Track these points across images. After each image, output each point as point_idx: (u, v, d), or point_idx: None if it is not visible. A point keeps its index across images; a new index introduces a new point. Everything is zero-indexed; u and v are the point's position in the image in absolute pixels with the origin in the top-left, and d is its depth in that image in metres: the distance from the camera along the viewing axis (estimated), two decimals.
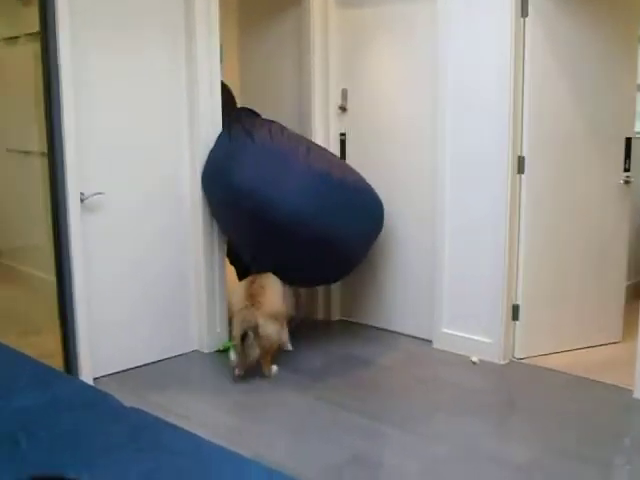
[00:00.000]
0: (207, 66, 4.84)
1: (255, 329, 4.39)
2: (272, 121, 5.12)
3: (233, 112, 5.28)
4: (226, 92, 5.33)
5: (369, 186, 5.06)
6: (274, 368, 4.61)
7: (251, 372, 4.58)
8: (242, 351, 4.41)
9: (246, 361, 4.46)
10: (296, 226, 4.55)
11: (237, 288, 4.83)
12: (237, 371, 4.54)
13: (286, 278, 4.87)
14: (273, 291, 4.67)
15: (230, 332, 4.90)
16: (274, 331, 4.53)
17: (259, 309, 4.48)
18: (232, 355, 4.49)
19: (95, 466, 2.07)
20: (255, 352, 4.44)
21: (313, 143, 5.23)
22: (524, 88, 4.63)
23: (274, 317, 4.54)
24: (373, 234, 5.08)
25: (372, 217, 5.04)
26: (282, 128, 5.00)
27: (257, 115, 5.34)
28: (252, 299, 4.54)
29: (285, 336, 4.84)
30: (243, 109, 5.48)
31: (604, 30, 4.70)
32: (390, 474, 3.50)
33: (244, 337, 4.36)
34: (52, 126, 4.20)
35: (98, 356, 4.49)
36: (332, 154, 5.31)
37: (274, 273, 4.79)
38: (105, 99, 4.46)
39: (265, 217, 4.55)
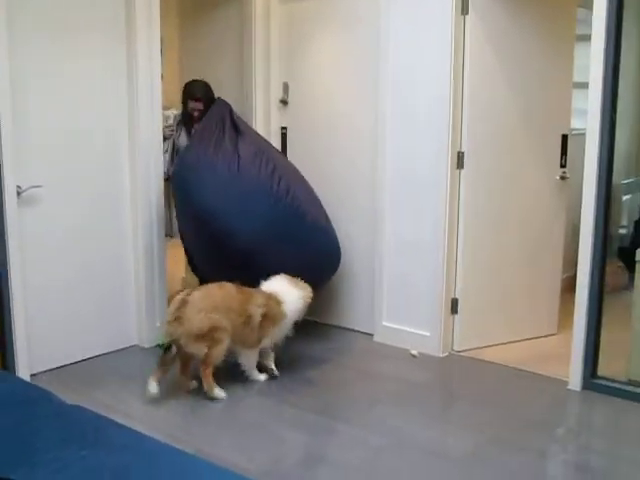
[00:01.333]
0: (147, 58, 4.79)
1: (178, 345, 4.15)
2: (254, 135, 5.06)
3: (217, 108, 5.03)
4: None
5: (330, 227, 5.07)
6: (219, 392, 4.22)
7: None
8: (161, 363, 4.17)
9: (163, 374, 4.16)
10: (249, 254, 4.56)
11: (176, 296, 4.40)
12: (151, 389, 4.10)
13: None
14: (200, 304, 4.20)
15: None
16: (199, 350, 4.15)
17: (182, 325, 4.13)
18: (152, 386, 4.08)
19: (37, 465, 2.04)
20: (170, 366, 4.21)
21: (289, 169, 5.08)
22: (464, 84, 4.69)
23: (197, 336, 4.13)
24: (325, 275, 5.08)
25: (327, 259, 5.05)
26: (259, 149, 4.82)
27: (237, 119, 5.03)
28: (179, 312, 4.16)
29: (219, 355, 4.23)
30: (227, 107, 5.04)
31: (542, 28, 4.79)
32: (331, 467, 3.51)
33: (167, 350, 4.17)
34: None
35: (35, 352, 4.40)
36: (307, 185, 5.10)
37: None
38: (42, 91, 4.38)
39: (222, 242, 4.57)
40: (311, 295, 4.52)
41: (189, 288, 4.50)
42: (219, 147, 4.71)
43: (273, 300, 4.36)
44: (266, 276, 4.47)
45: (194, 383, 4.32)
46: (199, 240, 4.86)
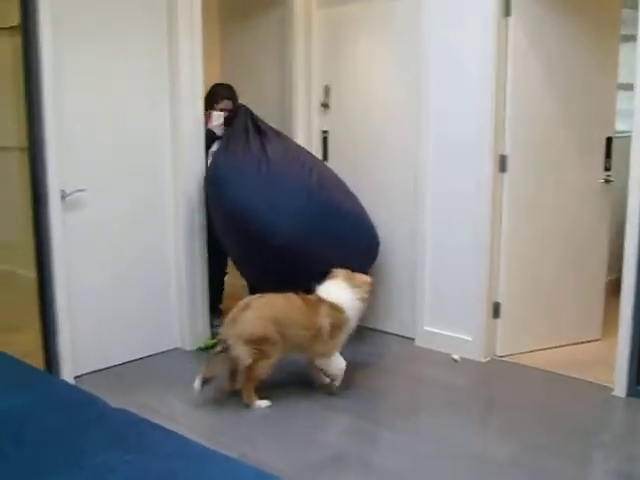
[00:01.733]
0: (189, 62, 4.82)
1: (227, 345, 4.16)
2: (278, 135, 5.08)
3: (239, 117, 5.06)
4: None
5: (367, 217, 5.07)
6: (260, 403, 4.19)
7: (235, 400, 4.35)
8: (209, 361, 4.22)
9: (211, 374, 4.15)
10: (288, 252, 4.55)
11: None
12: (195, 385, 4.12)
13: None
14: (260, 312, 4.19)
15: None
16: (243, 355, 4.10)
17: (235, 326, 4.15)
18: (197, 383, 4.11)
19: (82, 468, 2.05)
20: (218, 367, 4.19)
21: (318, 164, 5.13)
22: (506, 87, 4.65)
23: (247, 341, 4.10)
24: (366, 264, 4.99)
25: (366, 248, 5.05)
26: (286, 148, 4.92)
27: (260, 122, 5.08)
28: (237, 315, 4.19)
29: (264, 370, 4.17)
30: (248, 112, 5.11)
31: (586, 30, 4.73)
32: (374, 472, 3.50)
33: (212, 348, 4.17)
34: (32, 122, 4.16)
35: (79, 354, 4.45)
36: (336, 177, 5.15)
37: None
38: (87, 95, 4.43)
39: (262, 242, 4.57)
40: (370, 287, 4.47)
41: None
42: (247, 151, 4.78)
43: (335, 309, 4.29)
44: (318, 277, 4.40)
45: (260, 403, 4.20)
46: (240, 245, 4.87)
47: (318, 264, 4.54)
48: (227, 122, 5.16)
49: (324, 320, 4.23)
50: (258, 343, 4.10)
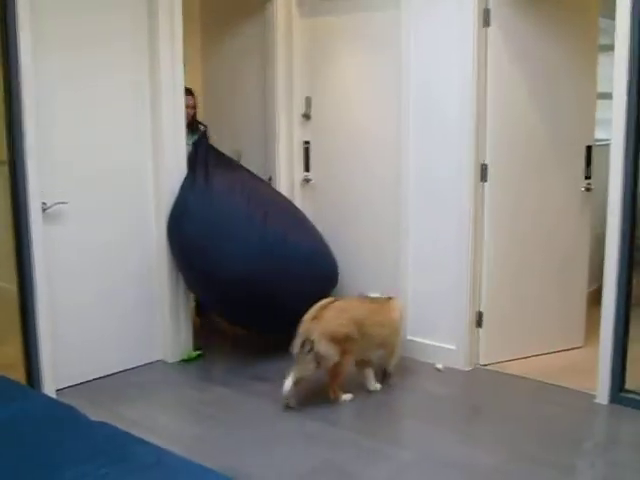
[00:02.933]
0: (170, 73, 4.81)
1: (311, 342, 4.21)
2: (237, 167, 5.23)
3: (200, 144, 5.16)
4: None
5: (324, 247, 5.18)
6: (345, 397, 4.40)
7: (314, 399, 4.43)
8: (299, 361, 4.27)
9: (302, 374, 4.25)
10: (241, 288, 4.69)
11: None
12: (289, 401, 4.29)
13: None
14: (340, 312, 4.39)
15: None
16: (329, 351, 4.23)
17: (319, 323, 4.28)
18: (287, 384, 4.21)
19: None
20: (310, 366, 4.25)
21: (275, 197, 5.27)
22: (487, 97, 4.68)
23: (332, 338, 4.24)
24: (325, 290, 5.03)
25: (324, 279, 5.14)
26: (243, 182, 5.02)
27: (220, 155, 5.22)
28: (318, 313, 4.35)
29: (348, 366, 4.41)
30: (207, 144, 5.21)
31: (565, 39, 4.76)
32: None
33: (302, 345, 4.25)
34: (13, 134, 4.14)
35: (61, 367, 4.42)
36: (293, 208, 5.33)
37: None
38: (68, 108, 4.42)
39: (211, 276, 4.72)
40: None
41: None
42: (193, 185, 4.87)
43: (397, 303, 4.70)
44: (280, 308, 4.77)
45: (345, 397, 4.42)
46: (193, 279, 4.97)
47: (275, 296, 4.76)
48: (192, 118, 5.27)
49: (397, 314, 4.60)
50: (342, 341, 4.27)
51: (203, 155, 5.02)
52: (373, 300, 4.63)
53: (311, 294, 4.63)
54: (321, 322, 4.27)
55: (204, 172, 4.90)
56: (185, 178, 4.92)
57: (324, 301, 4.45)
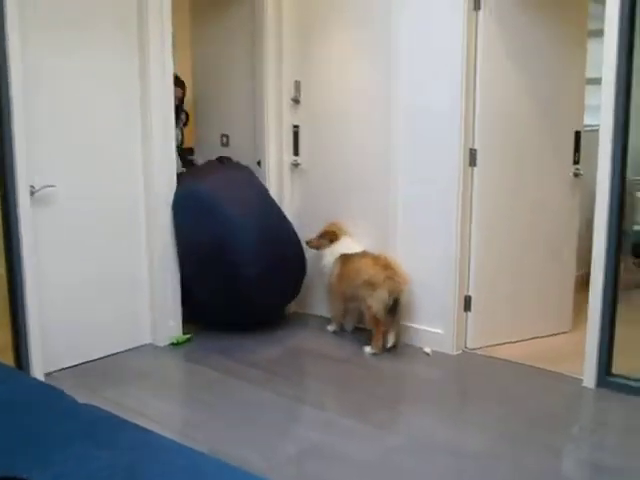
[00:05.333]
0: (159, 55, 4.78)
1: (399, 297, 4.79)
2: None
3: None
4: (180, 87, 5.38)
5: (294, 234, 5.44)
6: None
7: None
8: (391, 321, 4.82)
9: (396, 329, 4.89)
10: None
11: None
12: (379, 348, 4.86)
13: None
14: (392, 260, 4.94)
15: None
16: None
17: (401, 278, 4.82)
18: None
19: (49, 464, 2.04)
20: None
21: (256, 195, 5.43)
22: (476, 80, 4.68)
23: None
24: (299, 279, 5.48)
25: (299, 267, 5.46)
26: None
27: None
28: (390, 270, 4.82)
29: None
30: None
31: (555, 24, 4.77)
32: (346, 465, 3.50)
33: (395, 304, 4.75)
34: (0, 117, 4.11)
35: (50, 350, 4.41)
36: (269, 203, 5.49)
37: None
38: (56, 90, 4.39)
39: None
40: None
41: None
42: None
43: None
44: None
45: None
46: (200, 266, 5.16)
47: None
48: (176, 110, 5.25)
49: None
50: None
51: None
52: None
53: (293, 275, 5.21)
54: (399, 273, 4.81)
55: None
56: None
57: (369, 259, 4.95)
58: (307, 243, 5.31)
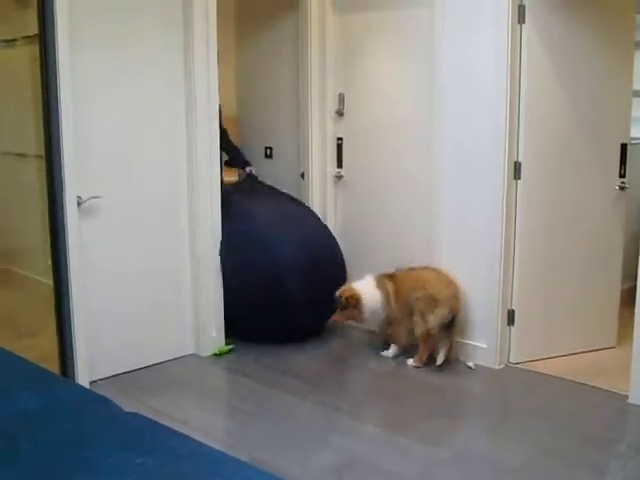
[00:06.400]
0: (205, 72, 4.83)
1: (457, 315, 4.77)
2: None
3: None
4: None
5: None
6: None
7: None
8: (447, 337, 4.78)
9: (451, 346, 4.84)
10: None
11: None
12: (422, 362, 4.85)
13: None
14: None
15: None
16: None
17: (461, 296, 4.83)
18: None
19: (95, 471, 2.07)
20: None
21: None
22: (520, 94, 4.65)
23: None
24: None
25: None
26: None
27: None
28: (453, 288, 4.82)
29: None
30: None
31: (601, 36, 4.72)
32: (387, 478, 3.50)
33: (452, 323, 4.74)
34: (50, 129, 4.19)
35: (95, 359, 4.48)
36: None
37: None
38: (104, 103, 4.46)
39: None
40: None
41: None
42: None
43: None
44: None
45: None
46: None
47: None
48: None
49: None
50: None
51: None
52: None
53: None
54: (460, 291, 4.80)
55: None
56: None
57: (433, 274, 4.87)
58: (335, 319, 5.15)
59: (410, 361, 4.87)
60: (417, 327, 4.81)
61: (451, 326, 4.74)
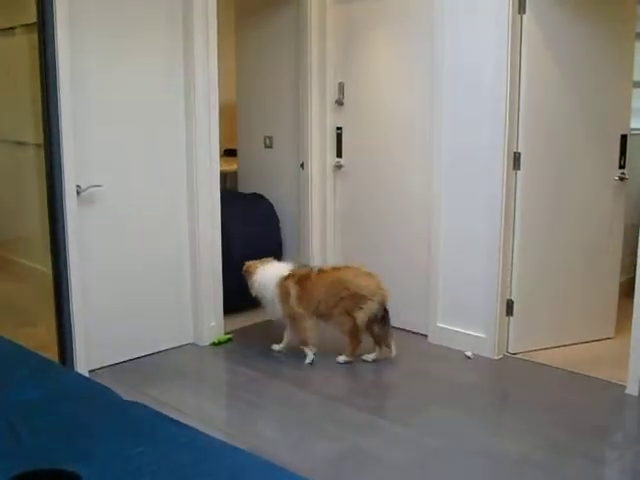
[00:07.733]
0: (204, 60, 4.82)
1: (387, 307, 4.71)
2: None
3: None
4: None
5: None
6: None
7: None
8: (386, 331, 4.75)
9: (392, 338, 4.79)
10: None
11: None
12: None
13: None
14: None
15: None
16: None
17: (385, 288, 4.73)
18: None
19: (94, 458, 2.07)
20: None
21: None
22: (520, 84, 4.64)
23: None
24: None
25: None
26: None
27: None
28: (376, 280, 4.72)
29: None
30: None
31: (601, 27, 4.71)
32: (384, 467, 3.51)
33: (386, 313, 4.70)
34: (49, 117, 4.19)
35: (93, 348, 4.49)
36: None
37: None
38: (103, 92, 4.45)
39: None
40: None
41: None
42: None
43: None
44: None
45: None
46: None
47: None
48: None
49: None
50: None
51: None
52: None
53: None
54: (380, 284, 4.71)
55: None
56: None
57: (364, 269, 4.77)
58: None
59: (340, 358, 4.76)
60: (343, 325, 4.69)
61: (386, 316, 4.70)
